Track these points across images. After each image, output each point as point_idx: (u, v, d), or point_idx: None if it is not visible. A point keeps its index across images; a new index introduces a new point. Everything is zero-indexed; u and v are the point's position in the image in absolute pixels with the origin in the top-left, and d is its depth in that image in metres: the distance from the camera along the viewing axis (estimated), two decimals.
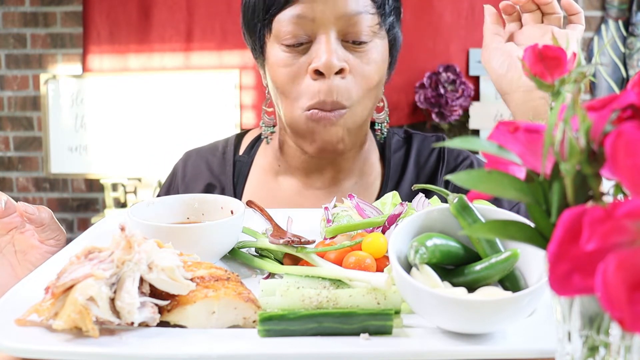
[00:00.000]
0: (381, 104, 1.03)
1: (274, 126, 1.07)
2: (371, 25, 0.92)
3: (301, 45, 0.91)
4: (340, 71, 0.90)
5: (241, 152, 1.14)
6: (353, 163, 1.06)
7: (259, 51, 0.98)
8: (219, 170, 1.11)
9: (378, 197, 1.05)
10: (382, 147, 1.11)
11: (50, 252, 0.78)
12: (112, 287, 0.54)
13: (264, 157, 1.11)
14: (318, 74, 0.90)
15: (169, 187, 1.14)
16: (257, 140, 1.15)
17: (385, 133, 1.07)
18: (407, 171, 1.07)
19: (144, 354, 0.51)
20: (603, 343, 0.37)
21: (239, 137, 1.17)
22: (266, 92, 1.04)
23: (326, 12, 0.89)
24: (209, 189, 1.08)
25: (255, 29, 0.96)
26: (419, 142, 1.11)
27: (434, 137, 1.13)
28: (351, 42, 0.91)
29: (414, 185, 0.75)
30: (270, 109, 1.06)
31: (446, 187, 1.03)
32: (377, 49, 0.95)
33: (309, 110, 0.91)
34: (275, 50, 0.93)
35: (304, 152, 1.03)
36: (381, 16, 0.94)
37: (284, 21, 0.91)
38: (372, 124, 1.08)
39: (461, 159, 1.09)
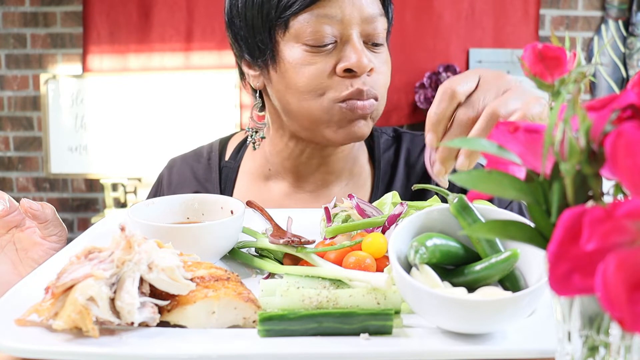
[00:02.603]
0: None
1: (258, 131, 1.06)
2: (385, 28, 0.94)
3: (326, 46, 0.90)
4: (369, 71, 0.91)
5: (227, 157, 1.12)
6: (344, 164, 1.05)
7: (269, 51, 0.94)
8: (205, 177, 1.10)
9: (370, 198, 1.05)
10: (371, 148, 1.10)
11: (53, 249, 0.78)
12: (112, 287, 0.54)
13: (252, 162, 1.10)
14: (348, 72, 0.90)
15: (155, 196, 1.12)
16: (243, 145, 1.13)
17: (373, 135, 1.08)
18: (397, 171, 1.07)
19: (144, 354, 0.51)
20: (603, 343, 0.37)
21: (224, 142, 1.15)
22: (257, 95, 1.02)
23: (354, 13, 0.89)
24: None
25: (264, 28, 0.92)
26: (409, 141, 1.10)
27: (424, 135, 1.13)
28: (370, 43, 0.92)
29: (414, 186, 0.74)
30: (262, 113, 1.04)
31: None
32: (387, 51, 0.97)
33: (344, 101, 0.90)
34: (294, 50, 0.91)
35: (300, 152, 1.03)
36: (387, 20, 0.96)
37: (310, 21, 0.89)
38: None
39: None
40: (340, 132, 0.93)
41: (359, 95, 0.90)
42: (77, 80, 3.02)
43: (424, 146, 1.10)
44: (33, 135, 3.14)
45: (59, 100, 3.02)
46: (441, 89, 0.69)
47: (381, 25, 0.92)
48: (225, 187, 1.08)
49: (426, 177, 1.06)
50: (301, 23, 0.89)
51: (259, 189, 1.08)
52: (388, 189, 1.04)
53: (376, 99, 0.92)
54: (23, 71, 3.11)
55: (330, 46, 0.90)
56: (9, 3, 3.06)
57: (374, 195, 1.04)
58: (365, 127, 0.94)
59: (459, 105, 0.68)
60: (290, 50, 0.91)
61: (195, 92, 2.96)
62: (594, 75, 1.93)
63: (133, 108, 2.98)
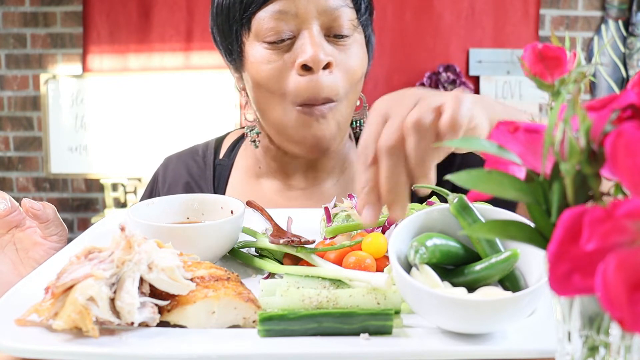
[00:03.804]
0: (358, 102, 1.01)
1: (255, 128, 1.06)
2: (351, 19, 0.92)
3: (283, 42, 0.90)
4: (327, 65, 0.89)
5: (221, 155, 1.13)
6: (334, 162, 1.05)
7: (236, 53, 0.96)
8: (199, 174, 1.10)
9: None
10: None
11: (54, 249, 0.78)
12: (112, 287, 0.54)
13: (244, 160, 1.10)
14: (305, 69, 0.89)
15: (151, 194, 1.13)
16: (237, 143, 1.14)
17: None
18: None
19: (144, 354, 0.51)
20: (603, 343, 0.37)
21: (219, 141, 1.16)
22: (242, 96, 1.03)
23: (309, 7, 0.88)
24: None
25: (231, 30, 0.94)
26: None
27: None
28: (333, 36, 0.91)
29: (414, 185, 0.74)
30: (251, 112, 1.06)
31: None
32: (358, 43, 0.95)
33: (299, 106, 0.90)
34: (256, 49, 0.92)
35: (285, 152, 1.02)
36: (357, 12, 0.94)
37: (265, 18, 0.89)
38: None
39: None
40: (305, 142, 0.93)
41: (314, 100, 0.89)
42: (77, 80, 3.02)
43: None
44: (33, 135, 3.14)
45: (59, 100, 3.02)
46: (361, 159, 0.58)
47: (346, 16, 0.91)
48: (219, 184, 1.09)
49: None
50: (259, 21, 0.90)
51: (251, 187, 1.08)
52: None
53: (333, 101, 0.90)
54: (23, 71, 3.11)
55: (288, 42, 0.90)
56: (9, 3, 3.06)
57: None
58: (326, 132, 0.92)
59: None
60: (253, 49, 0.92)
61: (195, 92, 2.96)
62: (594, 75, 1.93)
63: (133, 108, 2.98)
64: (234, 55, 0.97)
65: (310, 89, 0.88)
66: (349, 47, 0.93)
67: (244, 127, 1.10)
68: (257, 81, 0.93)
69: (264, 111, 0.95)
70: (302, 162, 1.04)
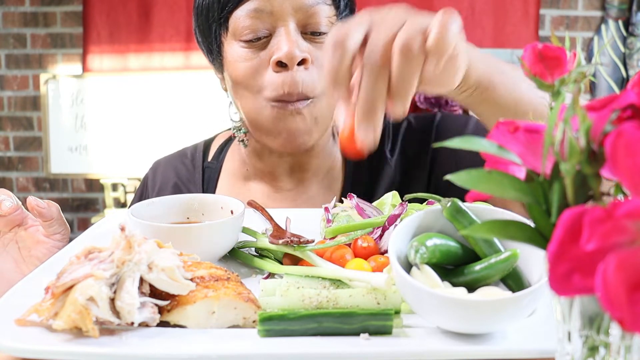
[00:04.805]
0: None
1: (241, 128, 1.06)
2: (329, 16, 0.92)
3: (259, 40, 0.90)
4: (302, 61, 0.89)
5: (210, 157, 1.13)
6: (319, 161, 1.05)
7: (216, 53, 0.96)
8: (188, 177, 1.10)
9: (342, 190, 1.04)
10: None
11: (57, 247, 0.78)
12: (112, 287, 0.54)
13: (232, 162, 1.10)
14: (280, 65, 0.89)
15: (140, 198, 1.13)
16: (226, 145, 1.14)
17: None
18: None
19: (144, 354, 0.51)
20: (603, 343, 0.37)
21: (207, 143, 1.16)
22: (227, 96, 1.04)
23: (284, 4, 0.88)
24: None
25: (211, 30, 0.95)
26: None
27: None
28: (310, 33, 0.91)
29: (405, 196, 0.74)
30: (235, 112, 1.06)
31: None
32: None
33: (273, 102, 0.90)
34: (233, 48, 0.92)
35: (270, 152, 1.02)
36: (337, 9, 0.94)
37: (241, 17, 0.90)
38: None
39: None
40: (280, 137, 0.92)
41: (288, 97, 0.89)
42: (77, 80, 3.02)
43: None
44: (33, 135, 3.14)
45: (59, 100, 3.02)
46: (330, 42, 0.58)
47: (323, 13, 0.91)
48: (208, 187, 1.09)
49: (400, 168, 1.04)
50: (235, 20, 0.91)
51: (239, 189, 1.08)
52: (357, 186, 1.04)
53: (308, 98, 0.90)
54: (23, 71, 3.11)
55: (264, 40, 0.90)
56: (9, 3, 3.06)
57: (344, 193, 1.03)
58: (301, 127, 0.91)
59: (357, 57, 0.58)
60: (231, 48, 0.93)
61: (195, 92, 2.96)
62: (594, 75, 1.93)
63: (133, 108, 2.98)
64: (214, 54, 0.97)
65: (285, 85, 0.88)
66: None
67: (230, 129, 1.11)
68: (234, 79, 0.93)
69: (243, 108, 0.96)
70: (288, 162, 1.04)
